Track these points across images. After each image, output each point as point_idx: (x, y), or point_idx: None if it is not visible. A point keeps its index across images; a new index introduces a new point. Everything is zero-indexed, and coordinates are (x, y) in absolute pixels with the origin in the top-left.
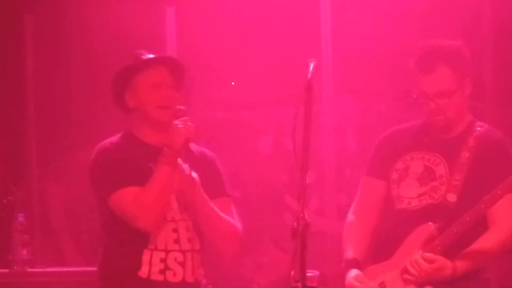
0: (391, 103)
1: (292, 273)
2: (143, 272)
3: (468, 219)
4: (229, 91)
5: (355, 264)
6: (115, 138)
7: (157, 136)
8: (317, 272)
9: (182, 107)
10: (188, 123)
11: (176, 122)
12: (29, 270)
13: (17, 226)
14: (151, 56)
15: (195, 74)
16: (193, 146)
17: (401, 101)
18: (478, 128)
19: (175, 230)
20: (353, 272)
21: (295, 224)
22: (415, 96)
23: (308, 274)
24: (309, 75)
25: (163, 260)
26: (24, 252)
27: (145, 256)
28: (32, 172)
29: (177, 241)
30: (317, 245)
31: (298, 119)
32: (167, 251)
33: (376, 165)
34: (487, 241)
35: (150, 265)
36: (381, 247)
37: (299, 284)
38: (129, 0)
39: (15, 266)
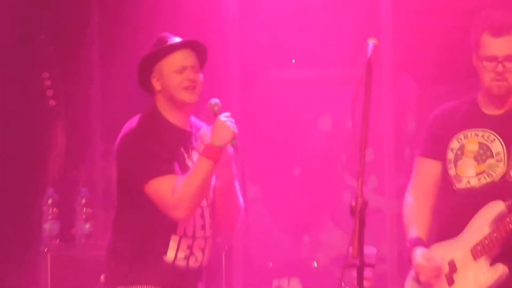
0: (451, 83)
1: (350, 250)
2: (169, 257)
3: None
4: (290, 70)
5: (421, 242)
6: (143, 119)
7: (184, 118)
8: (374, 250)
9: (219, 102)
10: (232, 120)
11: (223, 118)
12: (92, 243)
13: (80, 201)
14: (176, 40)
15: (257, 54)
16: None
17: (460, 82)
18: None
19: (202, 216)
20: (420, 250)
21: (354, 202)
22: (480, 62)
23: (366, 252)
24: (368, 54)
25: (189, 247)
26: (87, 225)
27: (173, 242)
28: (96, 147)
29: (203, 227)
30: (375, 223)
31: (357, 99)
32: (194, 238)
33: (430, 145)
34: None
35: (177, 250)
36: (446, 226)
37: (357, 261)
38: None
39: (78, 240)
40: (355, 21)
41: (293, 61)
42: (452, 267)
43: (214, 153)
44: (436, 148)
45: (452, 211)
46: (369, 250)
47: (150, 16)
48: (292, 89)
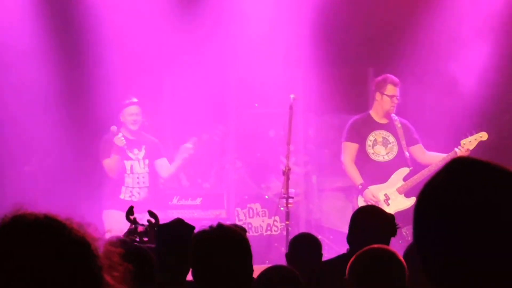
0: (336, 115)
1: (283, 191)
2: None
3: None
4: (254, 108)
5: (365, 186)
6: None
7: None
8: (293, 190)
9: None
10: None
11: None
12: None
13: None
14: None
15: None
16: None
17: (348, 114)
18: (394, 116)
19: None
20: (368, 190)
21: (284, 168)
22: (383, 97)
23: (290, 191)
24: (290, 102)
25: (131, 191)
26: None
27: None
28: None
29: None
30: (293, 178)
31: (288, 122)
32: (133, 187)
33: (351, 136)
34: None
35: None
36: (372, 178)
37: (286, 195)
38: None
39: None
40: (283, 81)
41: (256, 104)
42: (387, 197)
43: None
44: (355, 137)
45: (374, 171)
46: (292, 191)
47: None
48: (256, 117)
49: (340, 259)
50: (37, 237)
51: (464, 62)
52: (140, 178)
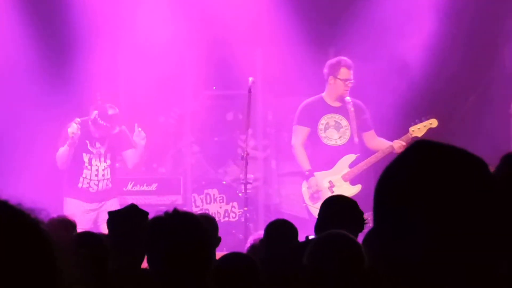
0: (294, 97)
1: (241, 176)
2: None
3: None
4: (212, 91)
5: (311, 172)
6: None
7: None
8: (252, 176)
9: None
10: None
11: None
12: None
13: None
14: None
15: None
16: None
17: (309, 96)
18: (348, 98)
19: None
20: (312, 178)
21: (242, 153)
22: (336, 80)
23: (248, 176)
24: (249, 84)
25: (88, 182)
26: None
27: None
28: None
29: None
30: (252, 164)
31: (247, 105)
32: (91, 179)
33: (302, 119)
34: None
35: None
36: (323, 163)
37: (245, 181)
38: None
39: None
40: (242, 62)
41: (214, 87)
42: (331, 184)
43: None
44: (306, 121)
45: (327, 156)
46: (250, 176)
47: None
48: (213, 100)
49: (303, 246)
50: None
51: (416, 42)
52: (100, 171)
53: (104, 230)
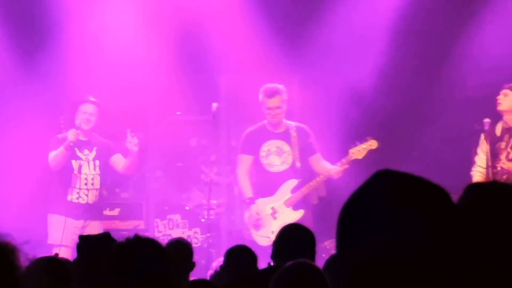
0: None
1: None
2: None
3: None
4: (176, 116)
5: (252, 200)
6: None
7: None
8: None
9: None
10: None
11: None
12: None
13: None
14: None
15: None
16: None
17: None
18: (291, 123)
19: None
20: (253, 206)
21: (206, 179)
22: (265, 109)
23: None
24: (214, 110)
25: (78, 192)
26: None
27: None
28: None
29: (86, 183)
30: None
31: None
32: (80, 188)
33: (246, 148)
34: None
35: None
36: (264, 189)
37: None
38: None
39: None
40: (206, 88)
41: (178, 112)
42: (274, 210)
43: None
44: (249, 149)
45: (270, 183)
46: (213, 202)
47: None
48: (177, 125)
49: (266, 273)
50: None
51: (368, 68)
52: (89, 179)
53: None
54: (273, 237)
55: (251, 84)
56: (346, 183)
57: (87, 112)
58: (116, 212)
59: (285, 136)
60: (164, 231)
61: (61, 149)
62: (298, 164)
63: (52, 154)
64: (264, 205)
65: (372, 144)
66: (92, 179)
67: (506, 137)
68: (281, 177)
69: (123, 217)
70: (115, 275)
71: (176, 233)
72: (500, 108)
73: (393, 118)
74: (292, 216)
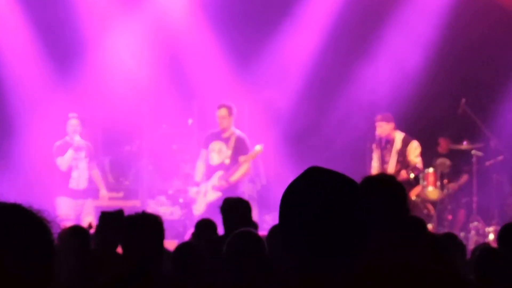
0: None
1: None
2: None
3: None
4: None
5: (197, 183)
6: None
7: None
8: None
9: None
10: None
11: None
12: None
13: None
14: None
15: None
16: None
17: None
18: (236, 131)
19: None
20: (194, 187)
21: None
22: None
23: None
24: (190, 124)
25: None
26: None
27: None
28: None
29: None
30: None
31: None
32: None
33: (203, 145)
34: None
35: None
36: (208, 176)
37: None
38: None
39: None
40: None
41: (164, 125)
42: (206, 191)
43: None
44: (205, 145)
45: (212, 172)
46: (188, 188)
47: None
48: (163, 134)
49: (222, 238)
50: (11, 216)
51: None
52: (82, 173)
53: (85, 221)
54: (201, 209)
55: (215, 104)
56: (281, 174)
57: (73, 125)
58: (120, 194)
59: (227, 140)
60: (154, 208)
61: (71, 152)
62: (226, 161)
63: (61, 160)
64: (202, 187)
65: (259, 149)
66: (84, 172)
67: (388, 146)
68: (215, 169)
69: (126, 197)
70: (127, 238)
71: (162, 209)
72: (379, 132)
73: (310, 132)
74: (213, 195)
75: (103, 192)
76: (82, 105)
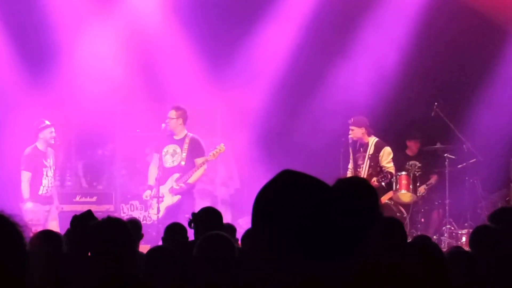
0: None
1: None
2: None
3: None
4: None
5: (150, 187)
6: None
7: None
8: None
9: None
10: None
11: None
12: None
13: None
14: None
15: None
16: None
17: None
18: (189, 134)
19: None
20: (148, 191)
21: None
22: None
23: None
24: (163, 126)
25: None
26: None
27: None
28: None
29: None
30: None
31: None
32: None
33: (155, 148)
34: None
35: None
36: (164, 180)
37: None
38: None
39: None
40: (156, 113)
41: (138, 130)
42: (162, 195)
43: None
44: (155, 149)
45: (166, 175)
46: (161, 193)
47: None
48: (136, 138)
49: (192, 242)
50: None
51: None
52: (50, 179)
53: (51, 226)
54: (160, 213)
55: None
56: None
57: (52, 132)
58: (94, 199)
59: (180, 142)
60: (127, 213)
61: (30, 173)
62: (182, 163)
63: (26, 175)
64: (161, 190)
65: (221, 148)
66: (51, 178)
67: (362, 149)
68: (170, 172)
69: (99, 202)
70: (92, 244)
71: (135, 214)
72: (351, 136)
73: (283, 134)
74: (172, 199)
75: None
76: (55, 109)
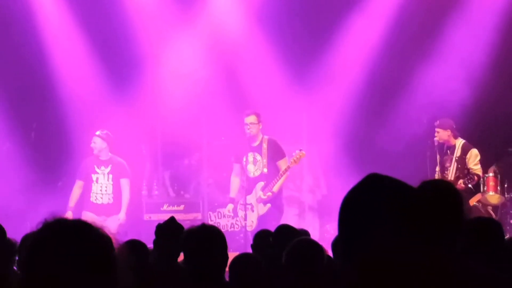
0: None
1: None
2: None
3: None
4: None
5: (232, 199)
6: None
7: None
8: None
9: None
10: None
11: None
12: None
13: None
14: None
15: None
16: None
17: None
18: (265, 137)
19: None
20: (230, 204)
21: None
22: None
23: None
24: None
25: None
26: None
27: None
28: None
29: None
30: None
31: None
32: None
33: (235, 157)
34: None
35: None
36: (249, 190)
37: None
38: None
39: None
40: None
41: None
42: (252, 205)
43: None
44: (236, 159)
45: (250, 185)
46: (248, 200)
47: None
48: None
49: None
50: (77, 232)
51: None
52: (103, 187)
53: None
54: (253, 225)
55: (273, 115)
56: (341, 183)
57: (95, 142)
58: (181, 207)
59: (259, 149)
60: (215, 220)
61: (81, 184)
62: (265, 170)
63: (77, 187)
64: (248, 201)
65: (302, 154)
66: (106, 186)
67: (449, 152)
68: (254, 181)
69: (186, 211)
70: (188, 249)
71: (223, 221)
72: (436, 138)
73: (369, 139)
74: (263, 209)
75: (122, 214)
76: (141, 120)
